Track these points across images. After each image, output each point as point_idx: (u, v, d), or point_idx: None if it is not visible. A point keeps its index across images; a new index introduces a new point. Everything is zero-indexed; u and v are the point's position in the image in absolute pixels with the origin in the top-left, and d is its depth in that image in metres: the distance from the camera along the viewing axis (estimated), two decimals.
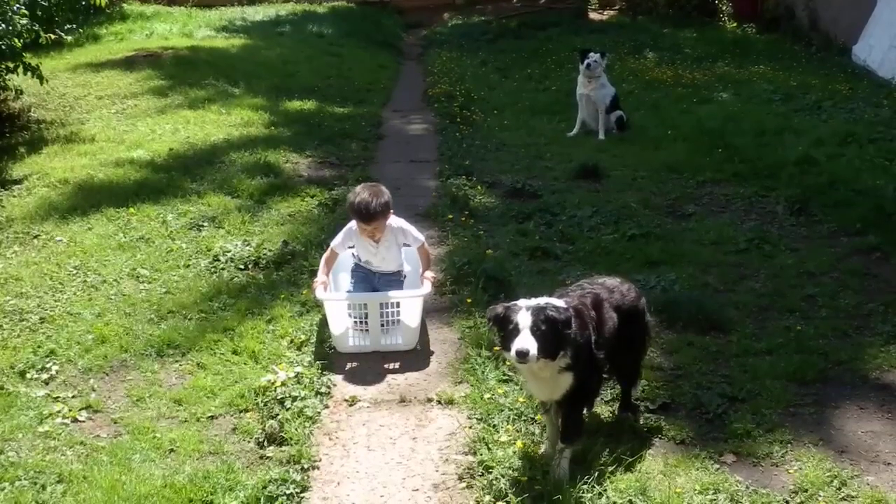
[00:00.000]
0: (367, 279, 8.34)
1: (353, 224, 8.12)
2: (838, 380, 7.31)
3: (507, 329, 5.61)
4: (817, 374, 7.34)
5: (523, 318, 5.52)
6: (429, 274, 8.28)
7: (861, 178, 12.15)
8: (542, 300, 5.73)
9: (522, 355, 5.43)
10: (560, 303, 5.77)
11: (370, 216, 7.92)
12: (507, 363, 7.00)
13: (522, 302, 5.70)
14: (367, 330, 7.89)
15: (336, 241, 8.20)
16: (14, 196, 11.71)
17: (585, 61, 15.67)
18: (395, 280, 8.40)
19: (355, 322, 7.95)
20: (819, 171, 12.70)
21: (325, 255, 8.11)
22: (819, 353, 7.65)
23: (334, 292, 8.19)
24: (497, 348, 7.08)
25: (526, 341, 5.44)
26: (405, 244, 8.37)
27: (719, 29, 27.80)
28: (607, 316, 6.09)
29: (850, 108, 16.67)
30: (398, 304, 7.88)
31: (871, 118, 15.77)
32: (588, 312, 5.96)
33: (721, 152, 13.97)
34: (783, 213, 11.35)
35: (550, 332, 5.52)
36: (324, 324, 7.99)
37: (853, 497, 5.79)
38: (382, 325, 7.90)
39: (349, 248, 8.34)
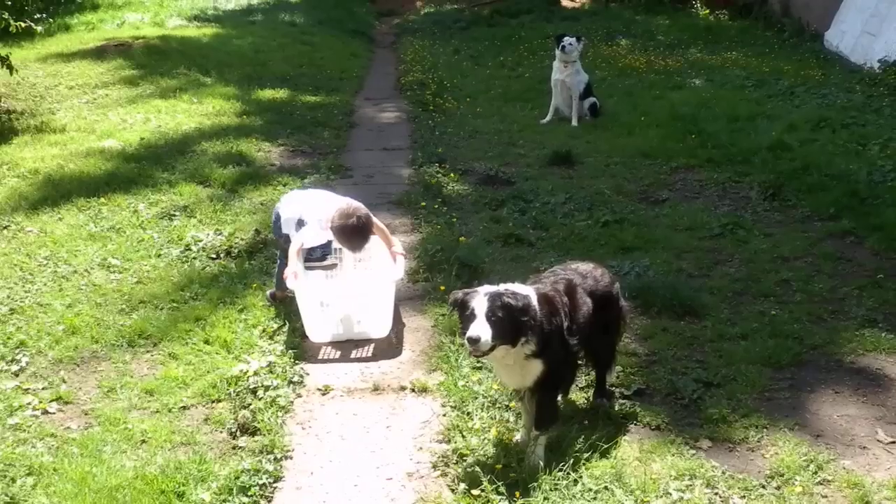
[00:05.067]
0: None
1: (319, 222, 8.04)
2: (813, 364, 7.33)
3: (464, 314, 5.60)
4: (792, 359, 7.35)
5: (479, 304, 5.50)
6: (397, 248, 8.28)
7: (834, 163, 12.16)
8: (502, 286, 5.70)
9: (473, 341, 5.41)
10: (521, 289, 5.74)
11: (360, 248, 8.11)
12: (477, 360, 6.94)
13: (483, 288, 5.67)
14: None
15: (309, 240, 8.10)
16: None
17: (561, 44, 15.63)
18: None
19: (327, 307, 7.91)
20: (792, 156, 12.71)
21: (295, 248, 8.01)
22: (794, 338, 7.67)
23: (306, 282, 8.12)
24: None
25: (478, 328, 5.42)
26: None
27: (692, 16, 27.79)
28: (581, 301, 6.06)
29: (822, 94, 16.69)
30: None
31: (844, 103, 15.79)
32: (560, 298, 5.92)
33: (694, 138, 13.99)
34: (757, 199, 11.37)
35: (507, 319, 5.48)
36: (296, 313, 7.91)
37: (829, 481, 5.80)
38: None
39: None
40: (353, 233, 7.86)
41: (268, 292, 8.50)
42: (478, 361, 7.02)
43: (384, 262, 8.38)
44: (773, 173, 11.95)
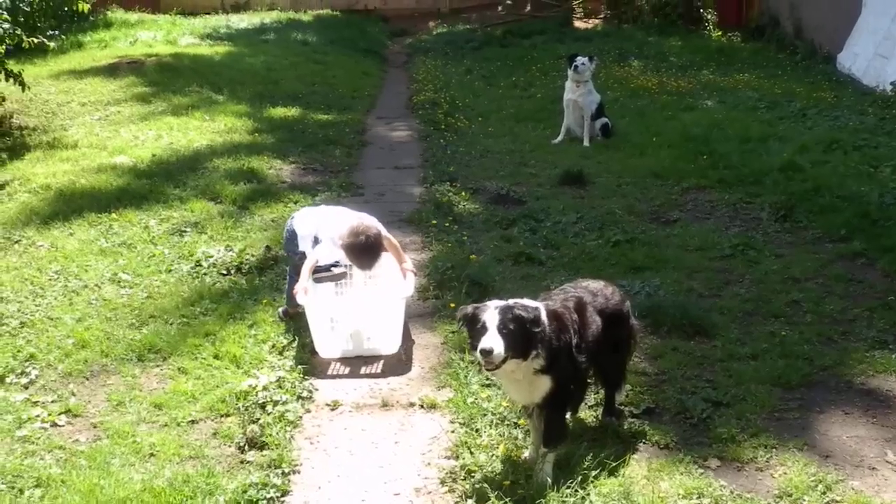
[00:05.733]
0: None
1: (334, 241, 8.04)
2: (823, 385, 7.30)
3: (475, 328, 5.59)
4: (802, 379, 7.32)
5: (490, 317, 5.50)
6: (408, 265, 8.29)
7: (846, 185, 12.14)
8: (511, 300, 5.69)
9: (486, 353, 5.40)
10: (531, 302, 5.73)
11: (372, 266, 8.11)
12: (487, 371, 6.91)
13: (492, 302, 5.67)
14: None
15: (324, 258, 8.10)
16: None
17: (574, 63, 15.64)
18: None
19: (337, 323, 7.92)
20: (804, 177, 12.68)
21: (308, 266, 7.99)
22: (804, 359, 7.63)
23: (316, 298, 8.11)
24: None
25: (491, 340, 5.42)
26: None
27: (704, 37, 27.80)
28: (591, 319, 6.05)
29: (834, 116, 16.66)
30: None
31: (856, 125, 15.76)
32: (570, 316, 5.91)
33: (706, 159, 13.96)
34: (768, 220, 11.34)
35: (518, 331, 5.49)
36: (306, 328, 7.91)
37: (838, 501, 5.76)
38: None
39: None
40: (363, 251, 7.86)
41: (279, 309, 8.50)
42: (487, 379, 7.03)
43: (394, 279, 8.38)
44: (785, 194, 11.91)
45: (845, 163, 13.36)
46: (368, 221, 8.05)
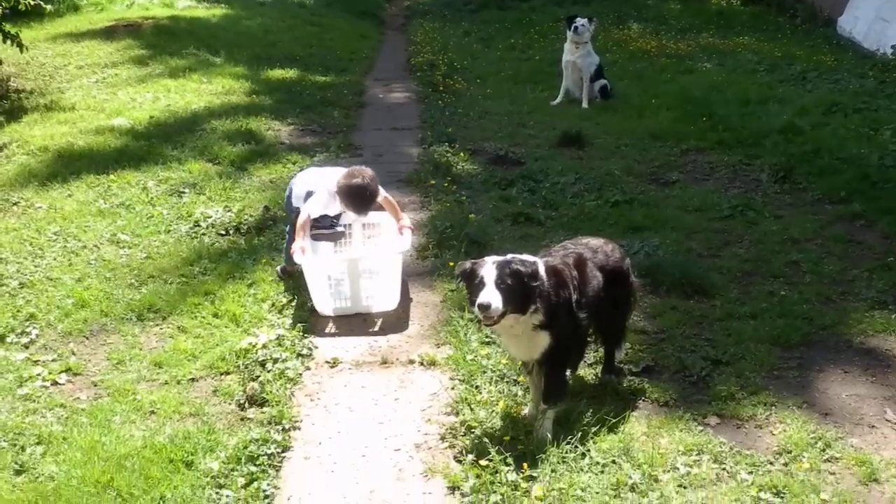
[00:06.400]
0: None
1: (333, 195, 8.05)
2: (822, 344, 7.32)
3: (473, 284, 5.58)
4: (801, 339, 7.34)
5: (488, 272, 5.49)
6: (405, 222, 8.30)
7: (846, 147, 12.14)
8: (509, 256, 5.69)
9: (484, 308, 5.40)
10: (529, 257, 5.73)
11: (367, 209, 8.10)
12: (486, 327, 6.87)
13: (490, 258, 5.66)
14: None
15: (315, 210, 8.07)
16: None
17: (573, 25, 15.60)
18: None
19: (335, 281, 7.95)
20: (804, 139, 12.69)
21: (301, 221, 7.99)
22: (803, 318, 7.65)
23: (314, 256, 8.11)
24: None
25: (489, 294, 5.41)
26: None
27: (704, 1, 27.68)
28: (591, 275, 6.04)
29: (834, 79, 16.66)
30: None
31: (856, 89, 15.75)
32: (570, 272, 5.90)
33: (705, 121, 13.96)
34: (767, 181, 11.34)
35: (516, 285, 5.48)
36: (305, 287, 7.91)
37: (837, 458, 5.79)
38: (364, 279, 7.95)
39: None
40: (358, 193, 7.87)
41: (278, 268, 8.51)
42: (487, 336, 7.04)
43: (392, 236, 8.39)
44: (784, 156, 11.91)
45: (845, 125, 13.37)
46: (363, 167, 8.05)
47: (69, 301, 7.95)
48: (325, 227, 8.23)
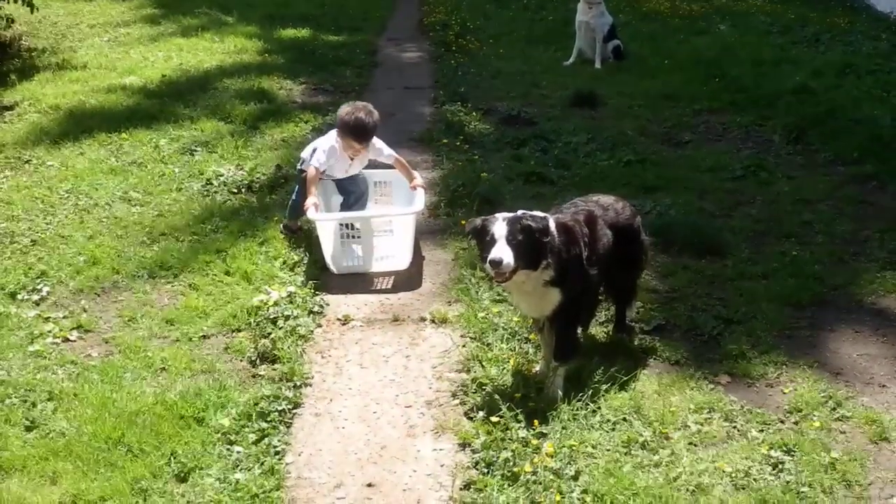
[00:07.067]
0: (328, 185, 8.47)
1: (334, 142, 8.06)
2: (834, 304, 7.33)
3: (484, 240, 5.60)
4: (813, 298, 7.34)
5: (499, 229, 5.51)
6: (418, 181, 8.27)
7: (859, 108, 12.10)
8: (520, 212, 5.68)
9: (496, 264, 5.41)
10: (539, 214, 5.73)
11: (367, 136, 8.00)
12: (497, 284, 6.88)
13: (500, 214, 5.67)
14: (358, 237, 8.01)
15: (321, 161, 8.07)
16: (5, 122, 11.65)
17: None
18: (358, 177, 8.52)
19: (347, 237, 7.97)
20: (817, 100, 12.62)
21: (310, 176, 7.99)
22: (815, 278, 7.65)
23: (326, 213, 8.11)
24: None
25: (500, 250, 5.42)
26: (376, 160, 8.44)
27: None
28: (601, 233, 6.03)
29: (848, 41, 16.57)
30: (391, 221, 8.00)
31: (870, 50, 15.69)
32: (580, 228, 5.89)
33: (717, 82, 13.90)
34: (780, 142, 11.31)
35: (527, 241, 5.50)
36: (316, 245, 7.92)
37: (848, 417, 5.80)
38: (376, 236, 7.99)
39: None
40: (359, 123, 7.89)
41: (280, 224, 8.51)
42: (498, 294, 7.04)
43: (404, 195, 8.39)
44: (797, 117, 11.84)
45: (858, 87, 13.32)
46: (359, 102, 8.12)
47: (81, 258, 7.95)
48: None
